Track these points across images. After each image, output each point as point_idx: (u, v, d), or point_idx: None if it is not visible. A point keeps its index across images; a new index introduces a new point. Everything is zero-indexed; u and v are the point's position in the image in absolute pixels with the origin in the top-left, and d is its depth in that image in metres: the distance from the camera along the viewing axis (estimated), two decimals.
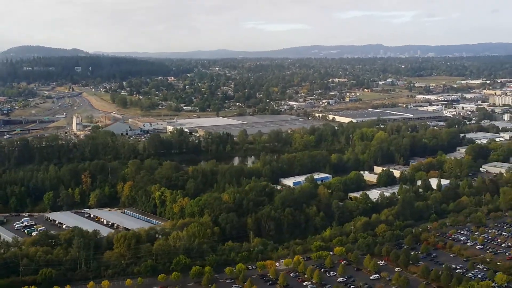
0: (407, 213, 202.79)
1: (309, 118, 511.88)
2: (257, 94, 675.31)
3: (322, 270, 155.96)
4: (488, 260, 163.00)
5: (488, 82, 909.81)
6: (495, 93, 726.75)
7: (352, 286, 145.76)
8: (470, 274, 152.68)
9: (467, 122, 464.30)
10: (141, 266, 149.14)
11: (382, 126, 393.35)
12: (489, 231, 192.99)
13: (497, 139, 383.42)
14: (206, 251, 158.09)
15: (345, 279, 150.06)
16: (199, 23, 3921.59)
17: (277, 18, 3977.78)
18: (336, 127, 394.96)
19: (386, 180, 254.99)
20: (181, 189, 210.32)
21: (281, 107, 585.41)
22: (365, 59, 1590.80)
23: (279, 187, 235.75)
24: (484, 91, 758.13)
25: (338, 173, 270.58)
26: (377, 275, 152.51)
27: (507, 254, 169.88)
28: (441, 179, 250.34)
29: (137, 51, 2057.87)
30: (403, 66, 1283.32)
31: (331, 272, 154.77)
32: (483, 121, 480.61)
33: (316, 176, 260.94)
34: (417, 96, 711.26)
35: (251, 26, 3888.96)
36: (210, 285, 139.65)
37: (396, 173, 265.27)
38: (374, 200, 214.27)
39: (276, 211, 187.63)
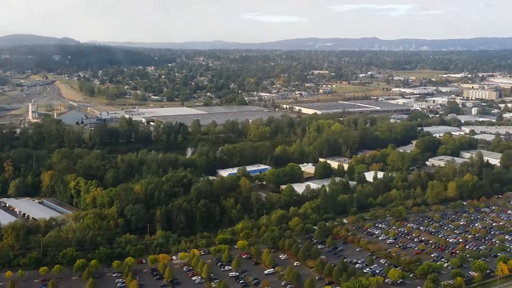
0: (329, 206, 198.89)
1: (276, 109, 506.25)
2: (232, 84, 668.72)
3: (218, 264, 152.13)
4: (393, 254, 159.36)
5: (469, 76, 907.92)
6: (472, 86, 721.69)
7: (241, 281, 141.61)
8: (368, 269, 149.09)
9: (431, 116, 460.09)
10: (26, 258, 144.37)
11: (341, 119, 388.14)
12: (408, 225, 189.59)
13: (457, 133, 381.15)
14: (100, 243, 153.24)
15: (237, 274, 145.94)
16: (196, 14, 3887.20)
17: (274, 10, 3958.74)
18: (294, 118, 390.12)
19: (323, 173, 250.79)
20: (101, 180, 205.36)
21: (251, 98, 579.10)
22: (354, 52, 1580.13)
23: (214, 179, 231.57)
24: (462, 84, 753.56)
25: (282, 165, 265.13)
26: (272, 269, 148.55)
27: (416, 248, 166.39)
28: (378, 172, 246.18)
29: (132, 41, 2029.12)
30: (389, 60, 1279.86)
31: (227, 267, 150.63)
32: (449, 115, 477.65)
33: (254, 168, 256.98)
34: (393, 89, 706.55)
35: (248, 17, 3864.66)
36: (94, 279, 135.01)
37: (335, 165, 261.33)
38: (299, 193, 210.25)
39: (190, 203, 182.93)
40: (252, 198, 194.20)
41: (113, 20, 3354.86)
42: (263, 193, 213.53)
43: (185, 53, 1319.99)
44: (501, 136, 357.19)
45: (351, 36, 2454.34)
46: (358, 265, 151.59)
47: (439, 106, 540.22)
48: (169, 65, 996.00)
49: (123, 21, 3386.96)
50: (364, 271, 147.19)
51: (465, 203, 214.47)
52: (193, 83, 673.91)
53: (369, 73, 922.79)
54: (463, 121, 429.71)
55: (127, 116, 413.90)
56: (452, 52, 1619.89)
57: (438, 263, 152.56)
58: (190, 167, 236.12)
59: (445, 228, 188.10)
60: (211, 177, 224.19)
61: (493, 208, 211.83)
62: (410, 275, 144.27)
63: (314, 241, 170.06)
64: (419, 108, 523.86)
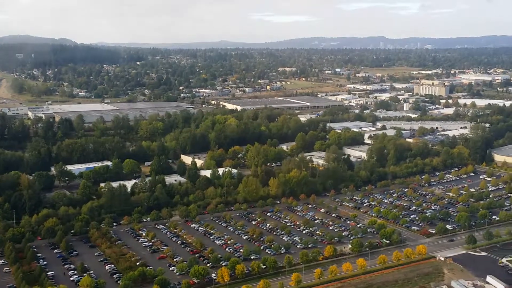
0: (115, 204, 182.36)
1: (203, 105, 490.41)
2: (175, 81, 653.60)
3: None
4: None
5: (441, 72, 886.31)
6: (432, 83, 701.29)
7: None
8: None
9: (356, 111, 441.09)
10: None
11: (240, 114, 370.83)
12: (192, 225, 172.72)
13: (368, 128, 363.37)
14: None
15: None
16: (204, 14, 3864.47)
17: (284, 10, 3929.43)
18: (192, 114, 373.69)
19: (158, 170, 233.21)
20: None
21: (188, 94, 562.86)
22: (339, 50, 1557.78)
23: None
24: (422, 81, 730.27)
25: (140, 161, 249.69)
26: None
27: (162, 250, 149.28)
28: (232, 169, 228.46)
29: (137, 41, 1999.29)
30: (375, 57, 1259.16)
31: None
32: (378, 110, 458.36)
33: (92, 165, 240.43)
34: (347, 86, 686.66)
35: (257, 17, 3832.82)
36: None
37: (188, 161, 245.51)
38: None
39: None
40: (25, 196, 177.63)
41: (119, 20, 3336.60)
42: (68, 192, 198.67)
43: (161, 52, 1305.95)
44: (403, 131, 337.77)
45: (358, 35, 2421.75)
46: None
47: (373, 102, 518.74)
48: (138, 63, 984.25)
49: (130, 22, 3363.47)
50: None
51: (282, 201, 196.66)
52: (138, 79, 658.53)
53: (338, 70, 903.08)
54: (381, 117, 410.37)
55: (29, 112, 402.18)
56: (447, 49, 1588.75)
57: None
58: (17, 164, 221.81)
59: (230, 229, 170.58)
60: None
61: (310, 206, 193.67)
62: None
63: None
64: (353, 104, 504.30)
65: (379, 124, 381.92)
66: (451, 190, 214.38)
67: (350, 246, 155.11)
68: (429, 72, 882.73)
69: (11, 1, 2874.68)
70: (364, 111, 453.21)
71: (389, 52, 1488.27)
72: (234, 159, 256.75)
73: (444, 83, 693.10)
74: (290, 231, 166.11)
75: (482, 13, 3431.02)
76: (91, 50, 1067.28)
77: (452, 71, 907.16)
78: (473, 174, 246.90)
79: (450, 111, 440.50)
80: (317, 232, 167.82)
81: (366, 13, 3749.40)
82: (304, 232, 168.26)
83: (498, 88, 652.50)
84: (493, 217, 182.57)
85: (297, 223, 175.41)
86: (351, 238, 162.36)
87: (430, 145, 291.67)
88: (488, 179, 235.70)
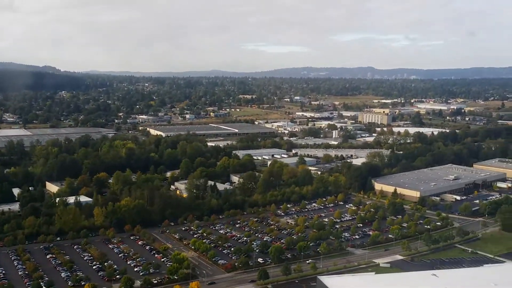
0: None
1: (130, 131, 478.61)
2: (121, 107, 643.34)
3: None
4: None
5: (399, 101, 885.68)
6: (383, 111, 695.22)
7: None
8: None
9: (285, 138, 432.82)
10: None
11: (144, 139, 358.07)
12: None
13: (280, 156, 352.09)
14: None
15: None
16: (198, 44, 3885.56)
17: (278, 40, 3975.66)
18: (92, 139, 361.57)
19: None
20: None
21: (119, 120, 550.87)
22: (317, 80, 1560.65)
23: None
24: (374, 109, 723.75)
25: None
26: None
27: None
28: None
29: (130, 70, 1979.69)
30: (347, 85, 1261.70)
31: None
32: (305, 137, 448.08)
33: None
34: (296, 113, 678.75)
35: (251, 47, 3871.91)
36: None
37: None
38: None
39: None
40: None
41: (113, 50, 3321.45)
42: None
43: (128, 79, 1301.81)
44: (307, 159, 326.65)
45: (348, 66, 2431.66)
46: None
47: (317, 129, 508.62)
48: (100, 90, 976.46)
49: (123, 52, 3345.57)
50: None
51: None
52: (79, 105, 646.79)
53: (297, 98, 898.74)
54: (299, 144, 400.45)
55: None
56: (423, 81, 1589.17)
57: None
58: None
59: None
60: None
61: (132, 238, 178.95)
62: None
63: None
64: (286, 131, 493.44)
65: (293, 151, 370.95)
66: (298, 219, 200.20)
67: (140, 282, 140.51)
68: (389, 101, 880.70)
69: (6, 29, 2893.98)
70: (291, 138, 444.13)
71: (365, 81, 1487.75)
72: (99, 187, 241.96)
73: (390, 112, 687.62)
74: (72, 267, 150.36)
75: (470, 46, 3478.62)
76: (54, 76, 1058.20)
77: (413, 100, 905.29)
78: (342, 203, 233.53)
79: (371, 139, 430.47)
80: (111, 267, 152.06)
81: (358, 44, 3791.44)
82: (94, 267, 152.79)
83: (448, 118, 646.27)
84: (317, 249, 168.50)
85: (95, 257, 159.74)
86: (141, 274, 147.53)
87: (319, 173, 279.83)
88: (353, 208, 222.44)
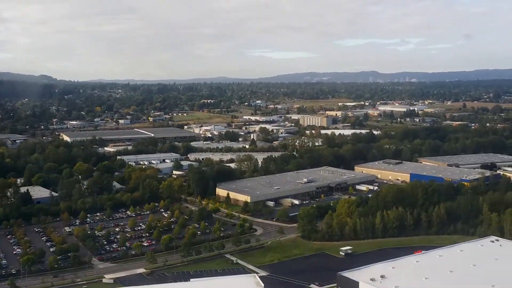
0: None
1: (43, 137, 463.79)
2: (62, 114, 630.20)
3: None
4: None
5: (365, 103, 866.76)
6: (336, 114, 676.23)
7: None
8: None
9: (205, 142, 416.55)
10: None
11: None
12: None
13: (168, 160, 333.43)
14: None
15: None
16: (204, 52, 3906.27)
17: (284, 46, 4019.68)
18: None
19: None
20: None
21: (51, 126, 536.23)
22: (311, 84, 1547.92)
23: None
24: (327, 112, 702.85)
25: None
26: None
27: None
28: None
29: (134, 78, 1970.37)
30: (324, 88, 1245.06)
31: None
32: (220, 141, 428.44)
33: None
34: (244, 117, 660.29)
35: (258, 54, 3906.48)
36: None
37: None
38: None
39: None
40: None
41: (118, 58, 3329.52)
42: None
43: (109, 86, 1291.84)
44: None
45: (352, 70, 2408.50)
46: None
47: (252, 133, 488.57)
48: (65, 97, 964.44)
49: (128, 59, 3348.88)
50: None
51: None
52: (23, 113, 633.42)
53: (259, 102, 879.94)
54: (200, 148, 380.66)
55: None
56: (413, 83, 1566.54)
57: None
58: None
59: None
60: None
61: None
62: None
63: None
64: (210, 135, 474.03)
65: (189, 155, 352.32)
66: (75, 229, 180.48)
67: None
68: (352, 103, 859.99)
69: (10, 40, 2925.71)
70: (205, 141, 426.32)
71: (359, 85, 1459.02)
72: None
73: (348, 113, 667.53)
74: None
75: (474, 48, 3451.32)
76: (29, 85, 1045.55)
77: (378, 103, 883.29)
78: (162, 210, 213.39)
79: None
80: None
81: (362, 49, 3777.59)
82: None
83: (399, 119, 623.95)
84: None
85: None
86: None
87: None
88: (166, 215, 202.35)
